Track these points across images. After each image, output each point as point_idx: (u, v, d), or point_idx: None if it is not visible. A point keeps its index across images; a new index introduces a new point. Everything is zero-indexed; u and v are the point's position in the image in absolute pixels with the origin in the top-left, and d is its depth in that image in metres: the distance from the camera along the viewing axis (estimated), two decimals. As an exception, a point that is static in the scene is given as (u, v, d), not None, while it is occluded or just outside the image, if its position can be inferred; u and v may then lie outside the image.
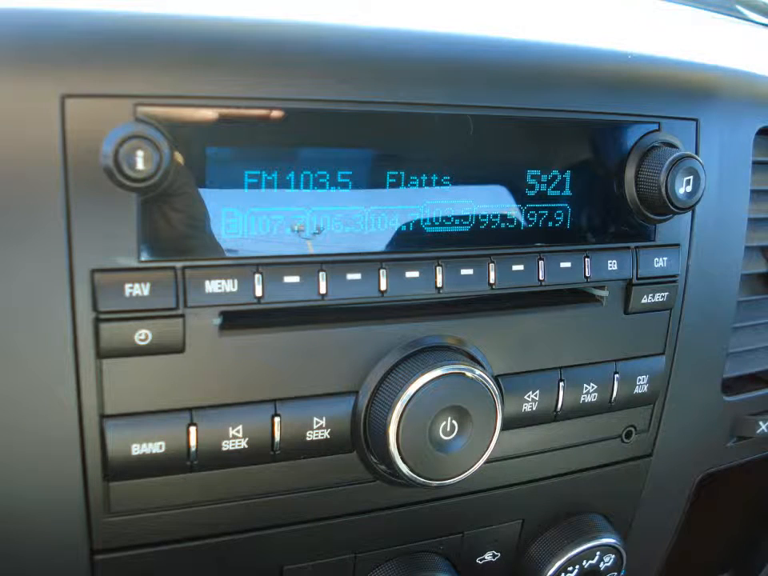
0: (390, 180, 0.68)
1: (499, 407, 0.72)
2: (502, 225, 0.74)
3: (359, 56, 0.67)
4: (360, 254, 0.68)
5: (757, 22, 1.51)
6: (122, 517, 0.67)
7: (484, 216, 0.73)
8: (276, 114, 0.64)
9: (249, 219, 0.64)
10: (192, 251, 0.62)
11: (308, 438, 0.68)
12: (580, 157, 0.77)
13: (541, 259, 0.75)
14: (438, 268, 0.71)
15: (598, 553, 0.90)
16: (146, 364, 0.63)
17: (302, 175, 0.65)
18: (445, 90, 0.69)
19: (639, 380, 0.84)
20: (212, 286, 0.63)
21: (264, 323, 0.67)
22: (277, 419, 0.67)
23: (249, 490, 0.70)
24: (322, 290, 0.67)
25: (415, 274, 0.70)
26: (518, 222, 0.74)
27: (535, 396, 0.78)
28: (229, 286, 0.63)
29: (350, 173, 0.67)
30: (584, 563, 0.90)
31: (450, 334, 0.74)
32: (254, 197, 0.64)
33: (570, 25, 0.98)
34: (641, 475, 0.94)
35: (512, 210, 0.74)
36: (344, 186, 0.67)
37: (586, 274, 0.78)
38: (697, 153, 0.83)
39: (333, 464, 0.72)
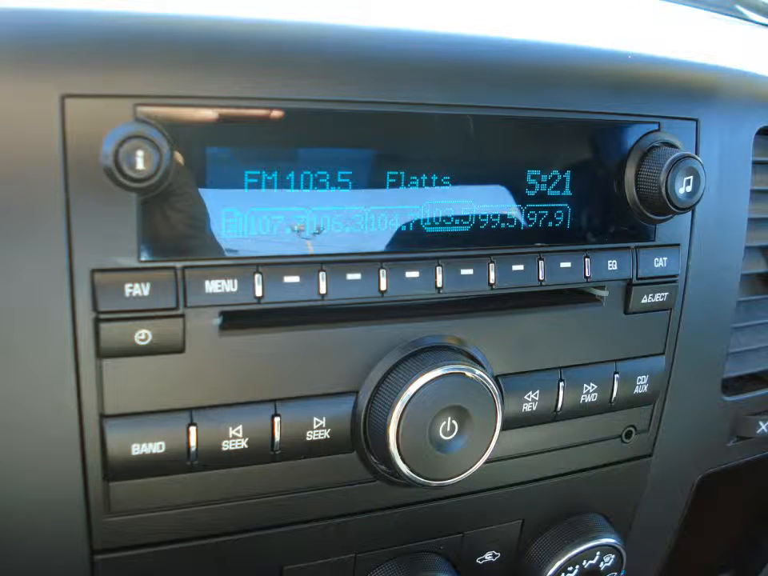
0: (390, 180, 0.68)
1: (499, 407, 0.72)
2: (502, 225, 0.74)
3: (359, 56, 0.67)
4: (360, 253, 0.68)
5: (757, 22, 1.51)
6: (122, 517, 0.67)
7: (484, 216, 0.73)
8: (276, 113, 0.64)
9: (249, 219, 0.64)
10: (192, 251, 0.62)
11: (308, 438, 0.68)
12: (580, 157, 0.77)
13: (541, 259, 0.75)
14: (438, 268, 0.71)
15: (597, 553, 0.90)
16: (146, 364, 0.63)
17: (302, 175, 0.65)
18: (445, 90, 0.69)
19: (639, 380, 0.84)
20: (212, 286, 0.63)
21: (264, 323, 0.67)
22: (277, 419, 0.67)
23: (249, 490, 0.70)
24: (322, 290, 0.67)
25: (415, 274, 0.70)
26: (518, 222, 0.74)
27: (535, 396, 0.78)
28: (229, 286, 0.63)
29: (350, 173, 0.67)
30: (584, 563, 0.90)
31: (450, 334, 0.74)
32: (254, 197, 0.64)
33: (570, 25, 0.98)
34: (641, 475, 0.94)
35: (512, 209, 0.74)
36: (344, 185, 0.67)
37: (586, 274, 0.78)
38: (697, 153, 0.83)
39: (333, 464, 0.72)
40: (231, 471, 0.68)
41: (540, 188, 0.74)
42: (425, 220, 0.70)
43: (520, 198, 0.74)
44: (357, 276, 0.68)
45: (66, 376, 0.61)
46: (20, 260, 0.59)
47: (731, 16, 1.52)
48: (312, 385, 0.69)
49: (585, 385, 0.80)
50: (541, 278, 0.76)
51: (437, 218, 0.71)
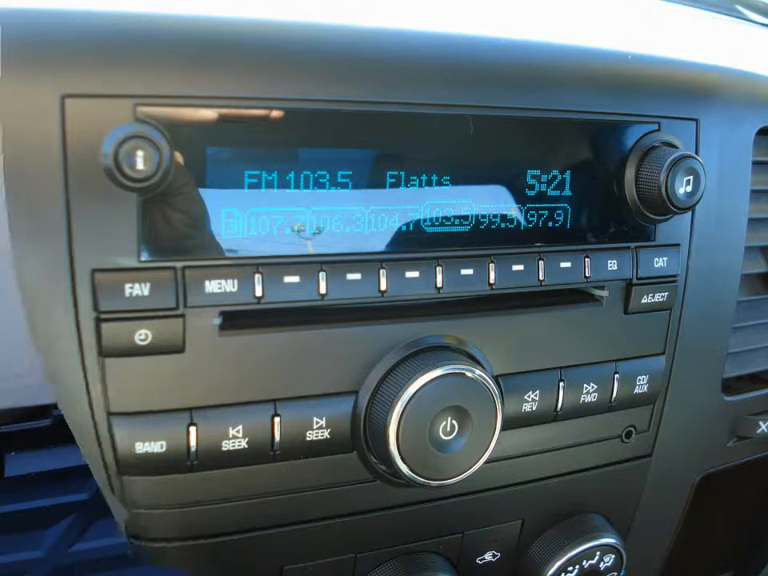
0: (390, 180, 0.68)
1: (499, 407, 0.72)
2: (502, 225, 0.74)
3: (359, 56, 0.67)
4: (360, 253, 0.68)
5: (757, 22, 1.51)
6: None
7: (484, 216, 0.73)
8: (276, 113, 0.64)
9: (249, 219, 0.64)
10: (192, 251, 0.62)
11: (308, 438, 0.68)
12: (580, 157, 0.77)
13: (541, 259, 0.75)
14: (438, 268, 0.71)
15: (597, 553, 0.90)
16: (147, 364, 0.63)
17: (302, 175, 0.65)
18: (445, 90, 0.69)
19: (639, 380, 0.84)
20: (212, 286, 0.63)
21: (264, 323, 0.67)
22: (277, 419, 0.67)
23: (249, 490, 0.70)
24: (322, 290, 0.67)
25: (415, 273, 0.70)
26: (518, 222, 0.74)
27: (535, 396, 0.78)
28: (229, 286, 0.63)
29: (350, 173, 0.67)
30: (584, 563, 0.90)
31: (450, 334, 0.74)
32: (254, 197, 0.64)
33: (570, 25, 0.98)
34: (641, 475, 0.94)
35: (512, 210, 0.74)
36: (344, 185, 0.67)
37: (586, 274, 0.78)
38: (697, 153, 0.83)
39: (333, 464, 0.72)
40: (231, 471, 0.68)
41: (540, 188, 0.74)
42: (425, 220, 0.70)
43: (520, 198, 0.74)
44: (357, 276, 0.68)
45: (75, 374, 0.62)
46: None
47: (731, 16, 1.52)
48: (312, 385, 0.69)
49: (585, 385, 0.80)
50: (541, 278, 0.75)
51: (437, 218, 0.71)
